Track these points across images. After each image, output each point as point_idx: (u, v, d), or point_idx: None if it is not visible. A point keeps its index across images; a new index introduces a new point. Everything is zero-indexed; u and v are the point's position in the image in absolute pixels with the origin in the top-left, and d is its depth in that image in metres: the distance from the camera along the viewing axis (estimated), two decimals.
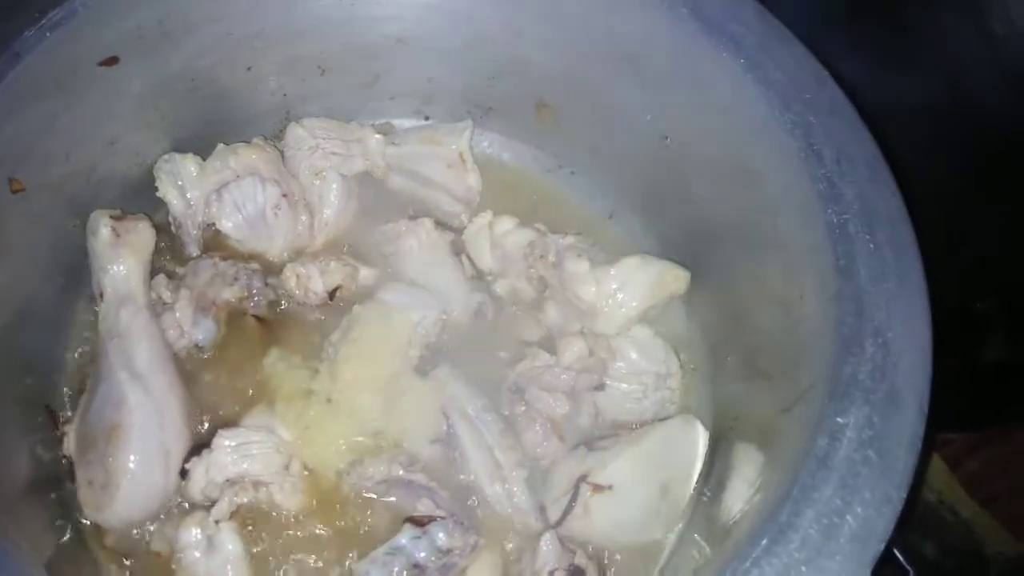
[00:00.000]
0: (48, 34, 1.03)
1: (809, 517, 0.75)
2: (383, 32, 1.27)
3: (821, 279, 0.91)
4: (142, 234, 1.16)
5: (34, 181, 1.06)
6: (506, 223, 1.26)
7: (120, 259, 1.13)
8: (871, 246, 0.89)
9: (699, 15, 1.06)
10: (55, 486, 1.07)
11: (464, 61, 1.31)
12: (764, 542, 0.74)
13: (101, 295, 1.13)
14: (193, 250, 1.24)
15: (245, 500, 1.05)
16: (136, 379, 1.07)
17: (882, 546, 0.74)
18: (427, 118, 1.42)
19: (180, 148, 1.24)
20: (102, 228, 1.13)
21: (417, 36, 1.28)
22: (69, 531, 1.04)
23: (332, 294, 1.21)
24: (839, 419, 0.80)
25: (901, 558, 1.24)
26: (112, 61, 1.10)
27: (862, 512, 0.75)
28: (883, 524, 0.75)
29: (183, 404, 1.10)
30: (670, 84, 1.13)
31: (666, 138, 1.18)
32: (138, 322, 1.11)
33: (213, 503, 1.04)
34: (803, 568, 0.73)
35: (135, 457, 1.03)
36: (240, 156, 1.23)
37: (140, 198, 1.22)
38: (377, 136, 1.31)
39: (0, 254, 1.04)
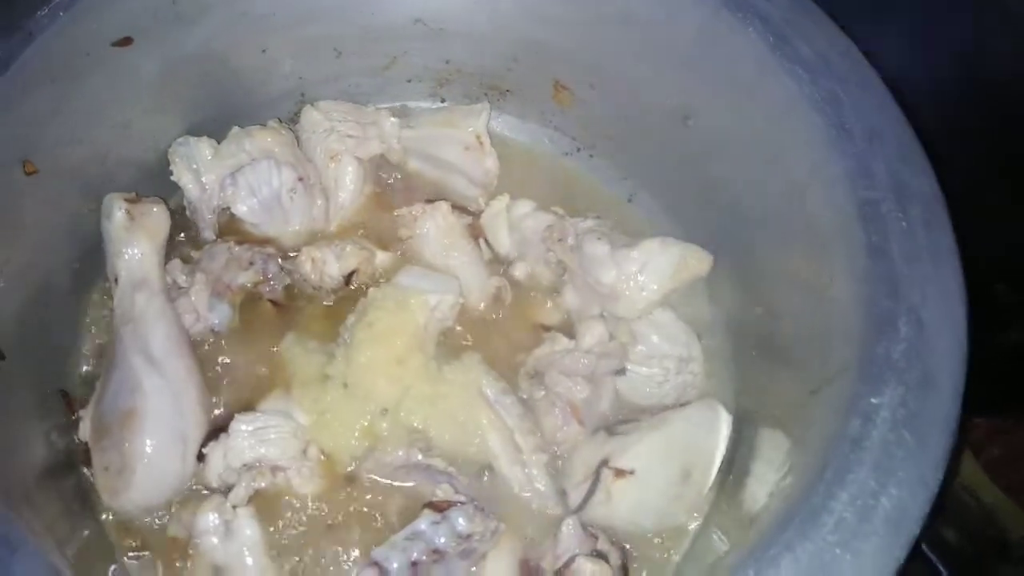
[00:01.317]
0: (61, 14, 1.02)
1: (843, 500, 0.73)
2: (401, 12, 1.25)
3: (852, 259, 0.88)
4: (157, 218, 1.14)
5: (48, 164, 1.05)
6: (524, 206, 1.24)
7: (135, 243, 1.12)
8: (904, 224, 0.87)
9: None
10: (71, 472, 1.06)
11: (482, 42, 1.29)
12: (797, 525, 0.72)
13: (116, 279, 1.12)
14: (208, 234, 1.23)
15: (263, 485, 1.04)
16: (152, 364, 1.06)
17: (918, 528, 0.72)
18: (443, 100, 1.41)
19: (195, 131, 1.22)
20: (116, 211, 1.11)
21: (435, 17, 1.26)
22: (85, 517, 1.03)
23: (348, 278, 1.20)
24: (873, 400, 0.77)
25: (922, 544, 1.22)
26: (126, 42, 1.09)
27: (897, 494, 0.73)
28: (918, 506, 0.73)
29: (199, 389, 1.08)
30: (693, 62, 1.11)
31: (688, 118, 1.16)
32: (153, 306, 1.10)
33: (230, 488, 1.03)
34: (837, 551, 0.71)
35: (151, 442, 1.02)
36: (255, 139, 1.22)
37: (155, 182, 1.21)
38: (392, 119, 1.30)
39: (14, 237, 1.03)
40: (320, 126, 1.27)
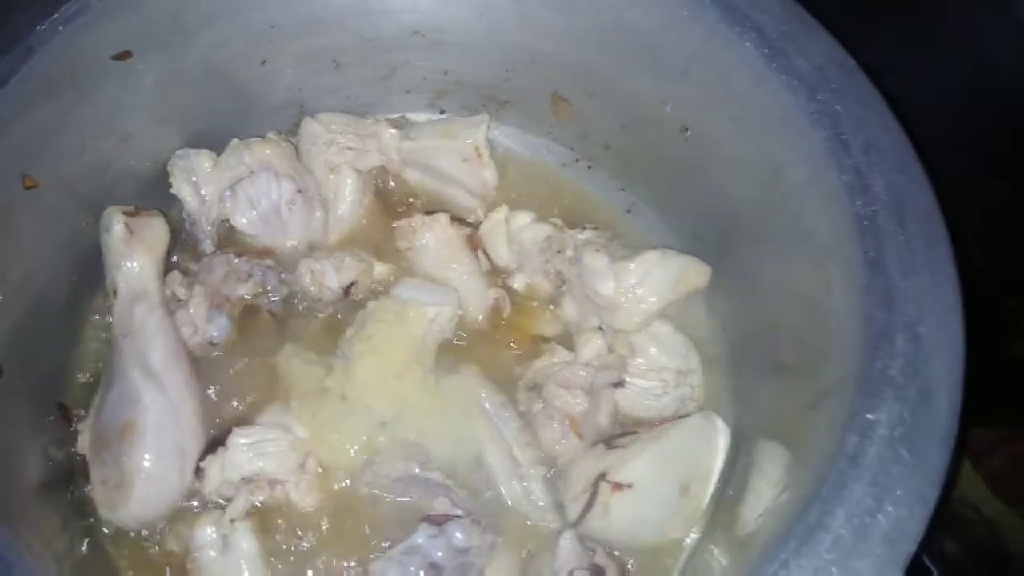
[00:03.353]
0: (61, 28, 1.02)
1: (840, 517, 0.73)
2: (399, 24, 1.25)
3: (849, 273, 0.88)
4: (156, 231, 1.14)
5: (47, 177, 1.05)
6: (522, 218, 1.24)
7: (134, 256, 1.12)
8: (901, 238, 0.86)
9: (721, 3, 1.03)
10: (68, 485, 1.06)
11: (480, 54, 1.29)
12: (793, 543, 0.72)
13: (115, 292, 1.12)
14: (207, 246, 1.23)
15: (261, 499, 1.04)
16: (150, 377, 1.06)
17: (915, 547, 0.72)
18: (442, 112, 1.40)
19: (194, 144, 1.23)
20: (115, 225, 1.12)
21: (433, 28, 1.26)
22: (82, 531, 1.03)
23: (347, 290, 1.20)
24: (869, 416, 0.77)
25: (923, 556, 1.21)
26: (125, 55, 1.09)
27: (894, 511, 0.73)
28: (916, 524, 0.73)
29: (198, 402, 1.08)
30: (690, 74, 1.10)
31: (686, 130, 1.16)
32: (152, 319, 1.10)
33: (228, 502, 1.03)
34: (834, 569, 0.70)
35: (150, 456, 1.02)
36: (254, 151, 1.22)
37: (154, 194, 1.21)
38: (392, 130, 1.30)
39: (13, 251, 1.03)
40: (320, 138, 1.27)
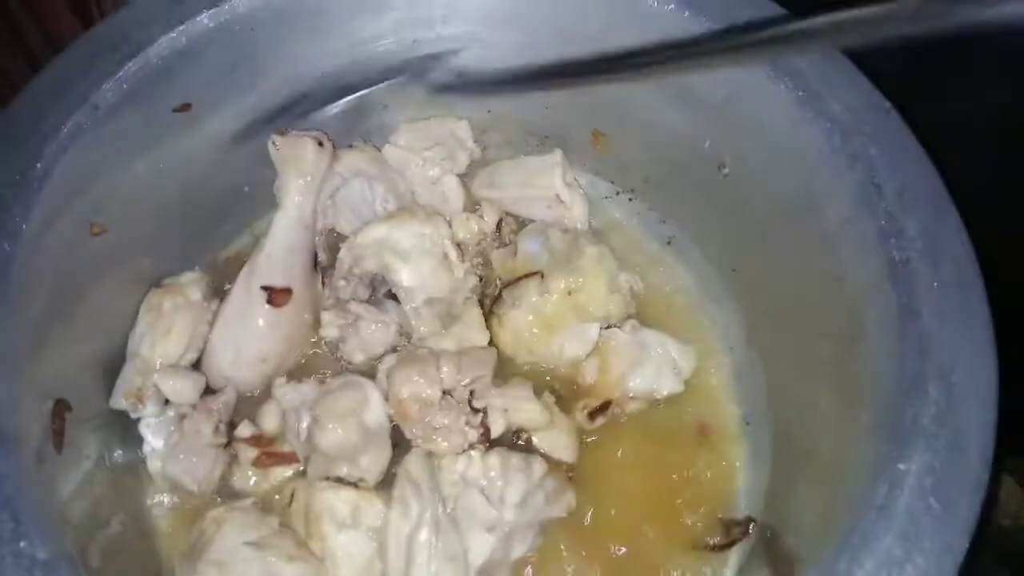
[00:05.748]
0: (125, 86, 1.06)
1: (868, 568, 0.74)
2: (444, 68, 1.29)
3: (883, 318, 0.89)
4: (299, 150, 1.22)
5: (114, 223, 1.09)
6: None
7: (283, 171, 1.23)
8: (935, 284, 0.87)
9: None
10: None
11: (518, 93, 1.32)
12: None
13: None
14: (321, 256, 1.28)
15: None
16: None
17: None
18: (484, 148, 1.41)
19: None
20: (270, 144, 1.22)
21: (475, 69, 1.29)
22: None
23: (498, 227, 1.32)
24: (900, 466, 0.78)
25: None
26: (186, 107, 1.14)
27: (923, 563, 0.74)
28: (944, 575, 0.74)
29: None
30: (727, 113, 1.12)
31: (724, 166, 1.17)
32: (279, 225, 1.21)
33: None
34: None
35: None
36: (344, 161, 1.27)
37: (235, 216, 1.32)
38: (463, 122, 1.36)
39: (79, 295, 1.07)
40: (408, 161, 1.33)
